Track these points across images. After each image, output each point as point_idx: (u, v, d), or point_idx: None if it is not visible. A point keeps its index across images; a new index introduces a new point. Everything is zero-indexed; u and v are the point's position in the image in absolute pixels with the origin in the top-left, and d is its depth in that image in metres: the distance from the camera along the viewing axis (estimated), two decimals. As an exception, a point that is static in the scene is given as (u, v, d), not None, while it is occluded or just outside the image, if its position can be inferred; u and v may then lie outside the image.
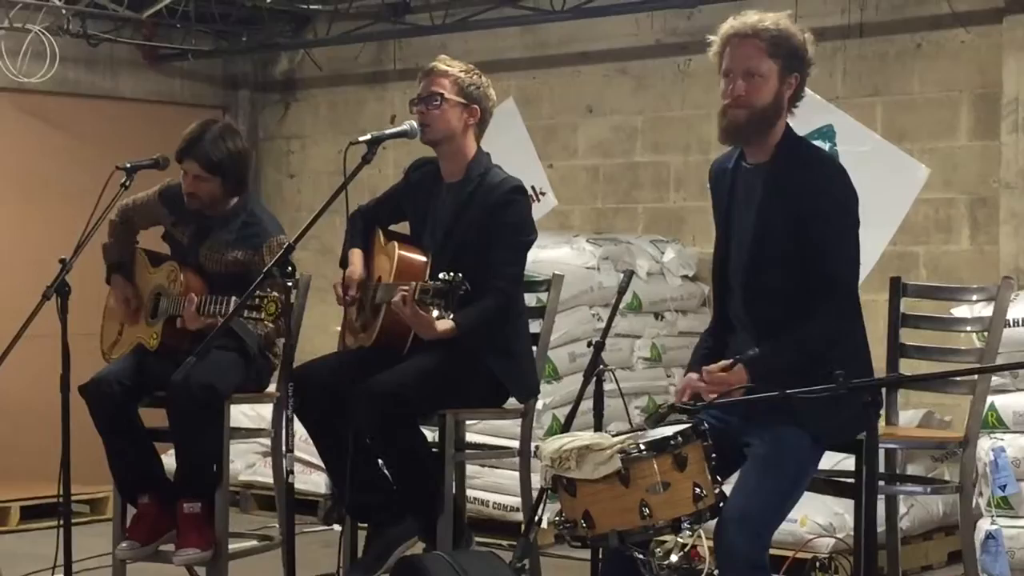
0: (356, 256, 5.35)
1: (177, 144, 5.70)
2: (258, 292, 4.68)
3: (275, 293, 4.56)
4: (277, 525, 6.15)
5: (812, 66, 4.28)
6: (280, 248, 5.58)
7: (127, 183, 5.55)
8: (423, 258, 5.20)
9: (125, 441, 5.66)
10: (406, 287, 4.88)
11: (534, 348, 5.46)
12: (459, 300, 4.78)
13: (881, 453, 5.05)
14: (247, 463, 8.32)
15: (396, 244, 5.26)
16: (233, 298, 5.21)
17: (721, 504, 3.99)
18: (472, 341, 5.08)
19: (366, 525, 5.39)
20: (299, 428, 4.81)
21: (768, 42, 4.19)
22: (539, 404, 6.12)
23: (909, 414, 6.65)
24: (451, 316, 4.84)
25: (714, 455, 3.99)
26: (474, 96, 5.24)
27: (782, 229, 4.19)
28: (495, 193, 5.18)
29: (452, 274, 4.74)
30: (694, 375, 4.20)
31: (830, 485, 4.90)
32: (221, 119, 5.94)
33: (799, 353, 4.11)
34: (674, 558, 6.28)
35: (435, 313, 4.81)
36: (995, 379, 5.93)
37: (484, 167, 5.26)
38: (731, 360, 4.12)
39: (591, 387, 4.84)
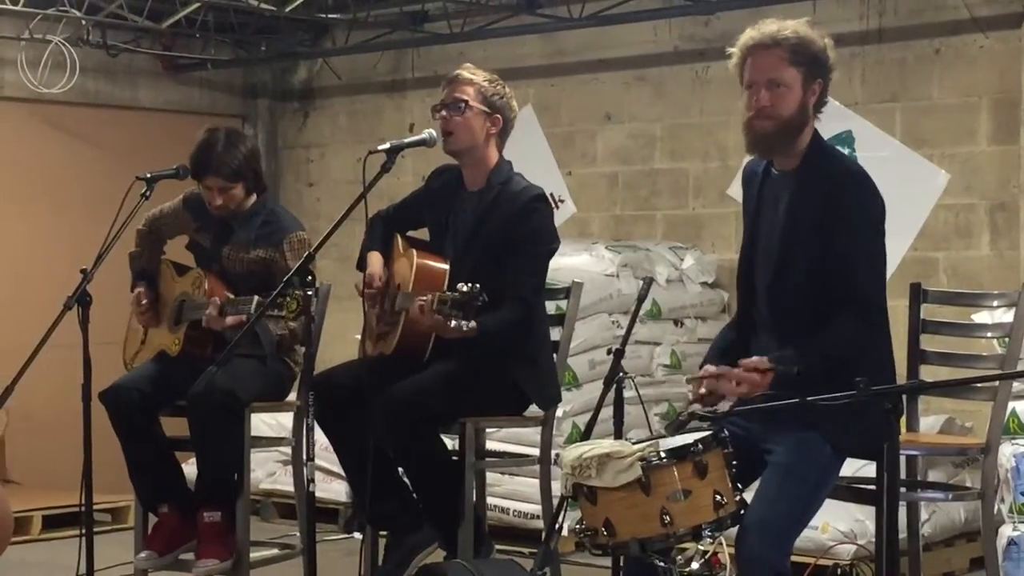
0: (374, 256, 5.36)
1: (191, 160, 5.72)
2: (267, 292, 4.73)
3: (296, 291, 4.59)
4: (298, 534, 6.14)
5: (834, 70, 4.28)
6: (300, 244, 5.64)
7: (147, 193, 5.56)
8: (443, 266, 5.20)
9: (145, 449, 5.68)
10: (424, 297, 4.88)
11: (554, 356, 5.46)
12: (477, 312, 4.79)
13: (902, 459, 5.04)
14: (268, 472, 8.33)
15: (415, 252, 5.26)
16: (256, 297, 5.24)
17: (742, 511, 3.99)
18: (490, 347, 5.07)
19: (386, 533, 5.40)
20: (319, 437, 4.81)
21: (789, 51, 4.17)
22: (559, 412, 6.12)
23: (930, 420, 6.63)
24: (472, 324, 4.83)
25: (735, 462, 3.99)
26: (497, 105, 5.25)
27: (808, 236, 4.18)
28: (517, 201, 5.19)
29: (470, 285, 4.75)
30: (711, 368, 4.18)
31: (851, 492, 4.88)
32: (221, 125, 5.99)
33: (823, 360, 4.07)
34: (695, 566, 6.27)
35: (452, 324, 4.81)
36: (1016, 385, 5.90)
37: (506, 175, 5.27)
38: (769, 364, 4.07)
39: (611, 394, 4.83)
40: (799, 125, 4.21)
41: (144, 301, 5.89)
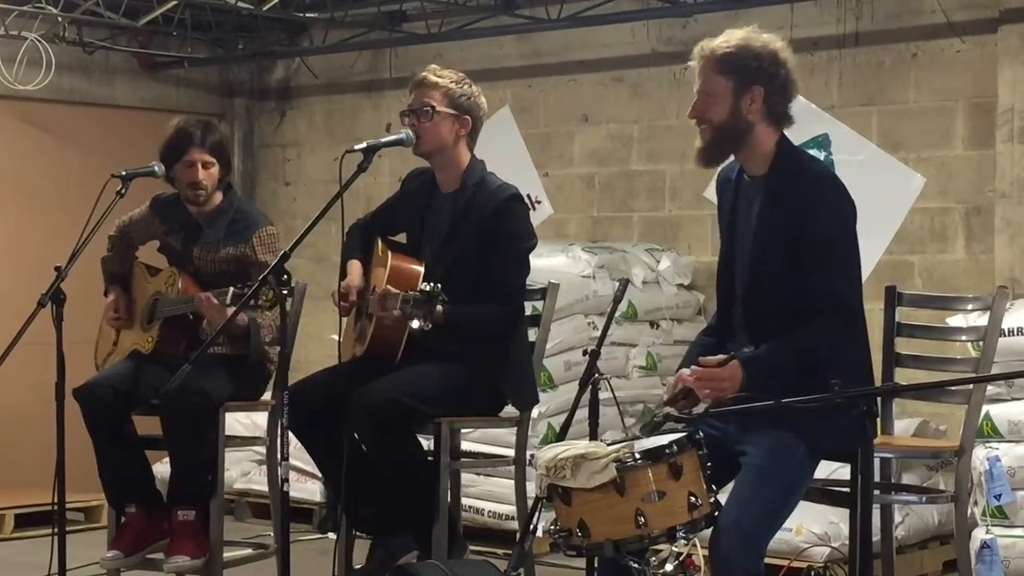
0: (353, 266, 5.36)
1: (167, 146, 5.72)
2: (249, 283, 4.77)
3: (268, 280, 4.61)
4: (272, 533, 6.14)
5: (782, 72, 4.24)
6: (270, 238, 5.67)
7: (123, 191, 5.55)
8: (418, 267, 5.20)
9: (117, 448, 5.66)
10: (390, 291, 4.92)
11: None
12: (440, 311, 4.81)
13: (876, 462, 5.05)
14: (242, 471, 8.31)
15: (392, 254, 5.26)
16: (231, 289, 5.24)
17: (716, 513, 3.99)
18: (458, 337, 5.07)
19: (365, 535, 5.39)
20: (294, 437, 4.80)
21: (718, 61, 4.25)
22: (534, 412, 6.10)
23: (904, 423, 6.65)
24: (430, 326, 4.85)
25: (709, 464, 3.99)
26: (465, 107, 5.24)
27: (780, 241, 4.21)
28: (492, 201, 5.19)
29: (432, 285, 4.78)
30: (686, 371, 4.20)
31: (825, 494, 4.90)
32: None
33: (795, 357, 4.11)
34: (669, 567, 6.27)
35: (415, 323, 4.82)
36: (990, 388, 5.93)
37: (479, 175, 5.26)
38: (726, 356, 4.12)
39: (586, 396, 4.83)
40: (737, 132, 4.26)
41: (118, 309, 5.88)
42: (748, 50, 4.24)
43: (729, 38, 4.26)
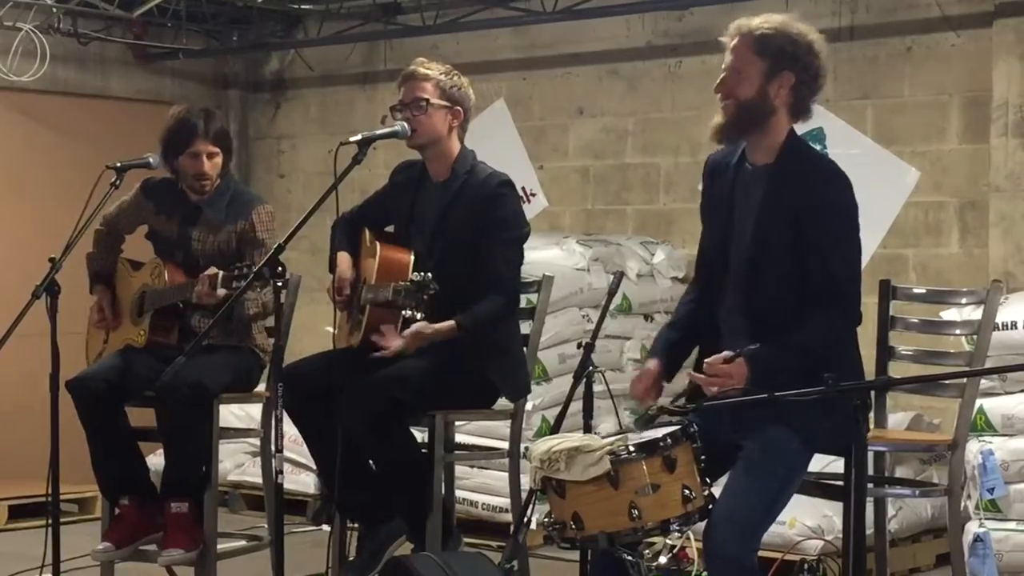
0: (343, 258, 5.36)
1: (170, 135, 5.72)
2: (239, 263, 4.82)
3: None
4: (266, 525, 6.14)
5: (815, 63, 4.26)
6: (269, 216, 5.68)
7: (117, 182, 5.55)
8: (407, 256, 5.20)
9: (110, 440, 5.65)
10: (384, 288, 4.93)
11: (523, 349, 5.47)
12: (429, 300, 4.81)
13: (870, 456, 5.05)
14: (236, 463, 8.31)
15: (380, 244, 5.26)
16: (221, 273, 5.23)
17: (710, 506, 4.00)
18: (477, 341, 5.08)
19: (356, 525, 5.39)
20: (288, 428, 4.80)
21: (756, 40, 4.24)
22: (528, 405, 6.11)
23: (898, 417, 6.66)
24: (421, 316, 4.85)
25: (703, 457, 4.00)
26: (456, 97, 5.25)
27: (782, 232, 4.20)
28: (483, 189, 5.19)
29: (422, 274, 4.79)
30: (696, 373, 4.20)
31: (819, 487, 4.90)
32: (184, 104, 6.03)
33: (800, 355, 4.10)
34: (663, 560, 6.28)
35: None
36: (984, 382, 5.94)
37: (469, 164, 5.27)
38: (733, 353, 4.11)
39: (581, 388, 4.84)
40: (760, 113, 4.24)
41: (103, 310, 5.86)
42: (786, 35, 4.24)
43: (769, 19, 4.27)
